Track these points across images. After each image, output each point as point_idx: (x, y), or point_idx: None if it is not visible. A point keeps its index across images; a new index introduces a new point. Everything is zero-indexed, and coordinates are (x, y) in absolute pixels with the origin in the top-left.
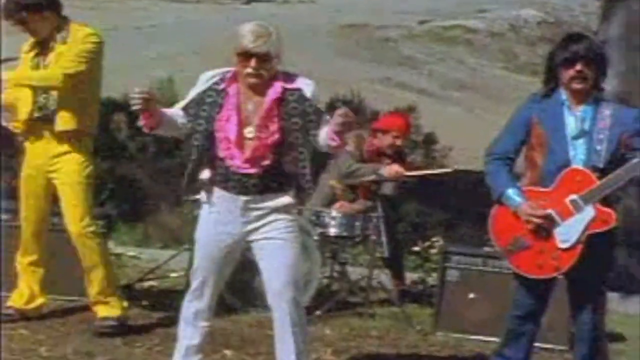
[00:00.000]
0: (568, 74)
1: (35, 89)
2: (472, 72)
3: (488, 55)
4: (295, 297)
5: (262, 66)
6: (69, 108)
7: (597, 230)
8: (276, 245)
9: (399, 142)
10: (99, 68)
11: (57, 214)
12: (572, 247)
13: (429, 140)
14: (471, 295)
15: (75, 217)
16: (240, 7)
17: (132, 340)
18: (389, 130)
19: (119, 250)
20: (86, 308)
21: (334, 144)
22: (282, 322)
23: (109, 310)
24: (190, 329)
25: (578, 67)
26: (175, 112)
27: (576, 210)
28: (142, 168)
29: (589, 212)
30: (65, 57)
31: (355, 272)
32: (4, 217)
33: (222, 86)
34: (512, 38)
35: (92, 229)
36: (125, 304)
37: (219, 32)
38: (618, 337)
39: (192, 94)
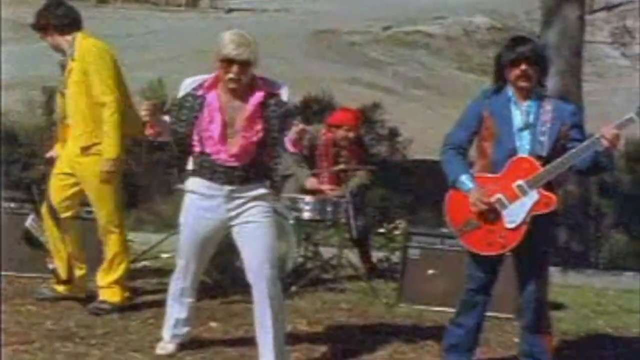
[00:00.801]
0: (514, 73)
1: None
2: (430, 72)
3: (444, 57)
4: (272, 274)
5: (243, 72)
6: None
7: (540, 212)
8: (254, 229)
9: (350, 134)
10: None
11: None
12: (517, 227)
13: (393, 133)
14: (430, 271)
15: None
16: (223, 16)
17: (127, 315)
18: (341, 125)
19: None
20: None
21: (292, 149)
22: (260, 297)
23: (110, 296)
24: (177, 305)
25: (522, 67)
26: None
27: (522, 194)
28: (136, 161)
29: (533, 196)
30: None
31: (327, 252)
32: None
33: (199, 92)
34: (465, 42)
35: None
36: (127, 294)
37: (203, 38)
38: (559, 306)
39: (176, 99)
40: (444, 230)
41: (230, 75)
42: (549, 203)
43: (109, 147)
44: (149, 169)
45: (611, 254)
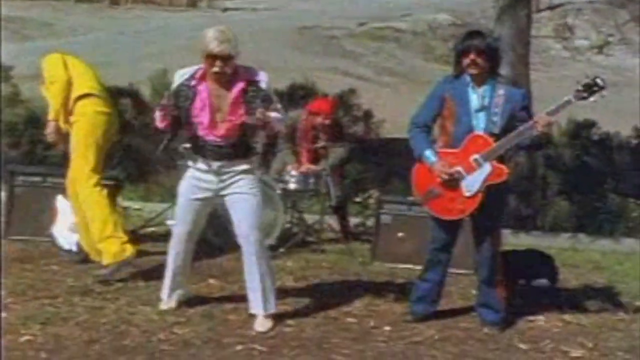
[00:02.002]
0: (465, 61)
1: None
2: (399, 62)
3: (411, 49)
4: (259, 237)
5: (226, 65)
6: None
7: (494, 182)
8: (243, 198)
9: (327, 121)
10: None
11: None
12: (474, 195)
13: (367, 115)
14: (400, 234)
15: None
16: (219, 14)
17: (137, 274)
18: (319, 113)
19: (126, 204)
20: None
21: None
22: (249, 257)
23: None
24: (174, 268)
25: (471, 56)
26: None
27: (477, 166)
28: (144, 140)
29: (487, 168)
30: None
31: (310, 218)
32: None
33: (192, 83)
34: (429, 36)
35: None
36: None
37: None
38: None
39: (172, 88)
40: (411, 198)
41: (215, 69)
42: (501, 174)
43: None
44: (155, 147)
45: (555, 218)
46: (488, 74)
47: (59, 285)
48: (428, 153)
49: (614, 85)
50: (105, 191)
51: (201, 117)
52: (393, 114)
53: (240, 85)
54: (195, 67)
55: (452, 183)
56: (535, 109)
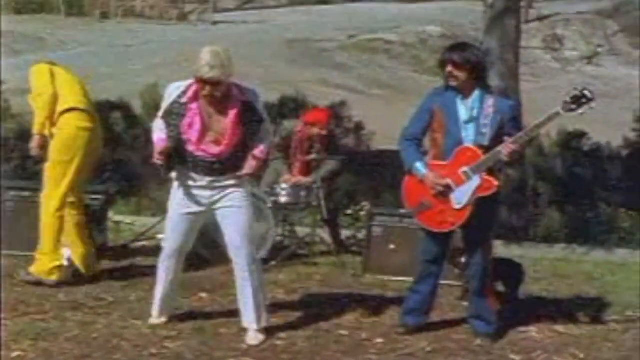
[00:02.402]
0: (444, 73)
1: None
2: (389, 74)
3: (401, 61)
4: (252, 250)
5: (215, 90)
6: None
7: (483, 195)
8: (234, 212)
9: (323, 132)
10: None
11: None
12: (464, 208)
13: (358, 127)
14: (391, 246)
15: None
16: (209, 28)
17: (128, 286)
18: (315, 124)
19: (118, 218)
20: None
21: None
22: (242, 271)
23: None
24: (165, 284)
25: (449, 68)
26: (159, 126)
27: (467, 179)
28: (135, 154)
29: (476, 180)
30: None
31: (302, 231)
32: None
33: (184, 100)
34: (419, 48)
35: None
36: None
37: (192, 47)
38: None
39: (165, 104)
40: (403, 211)
41: (204, 93)
42: (490, 187)
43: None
44: (146, 161)
45: (546, 229)
46: (474, 85)
47: (50, 300)
48: (419, 165)
49: (604, 96)
50: (67, 211)
51: (189, 134)
52: (384, 125)
53: (235, 110)
54: (189, 82)
55: (443, 195)
56: (525, 120)
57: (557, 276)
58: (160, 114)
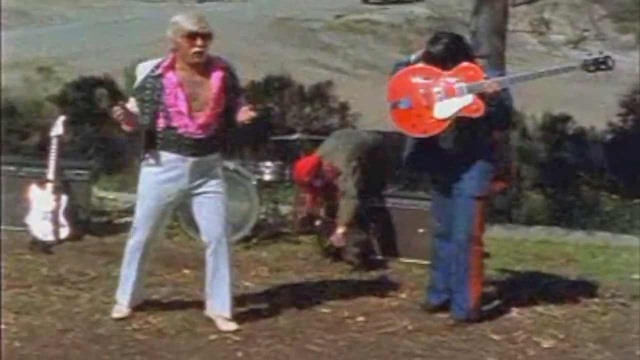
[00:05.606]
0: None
1: None
2: (376, 55)
3: (388, 42)
4: (227, 235)
5: (206, 45)
6: None
7: (469, 115)
8: (213, 197)
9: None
10: None
11: None
12: (443, 120)
13: (344, 107)
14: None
15: None
16: (195, 6)
17: (112, 261)
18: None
19: (102, 194)
20: (76, 237)
21: (242, 119)
22: (220, 258)
23: None
24: (134, 271)
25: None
26: (132, 105)
27: (459, 94)
28: (119, 130)
29: (467, 98)
30: None
31: (285, 209)
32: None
33: (157, 72)
34: (406, 29)
35: None
36: None
37: None
38: (485, 255)
39: (136, 82)
40: (390, 191)
41: (196, 49)
42: (478, 109)
43: None
44: (130, 138)
45: (528, 211)
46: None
47: (33, 274)
48: (413, 58)
49: (588, 81)
50: None
51: (177, 106)
52: (369, 106)
53: (219, 74)
54: (159, 59)
55: (426, 100)
56: (514, 104)
57: (538, 258)
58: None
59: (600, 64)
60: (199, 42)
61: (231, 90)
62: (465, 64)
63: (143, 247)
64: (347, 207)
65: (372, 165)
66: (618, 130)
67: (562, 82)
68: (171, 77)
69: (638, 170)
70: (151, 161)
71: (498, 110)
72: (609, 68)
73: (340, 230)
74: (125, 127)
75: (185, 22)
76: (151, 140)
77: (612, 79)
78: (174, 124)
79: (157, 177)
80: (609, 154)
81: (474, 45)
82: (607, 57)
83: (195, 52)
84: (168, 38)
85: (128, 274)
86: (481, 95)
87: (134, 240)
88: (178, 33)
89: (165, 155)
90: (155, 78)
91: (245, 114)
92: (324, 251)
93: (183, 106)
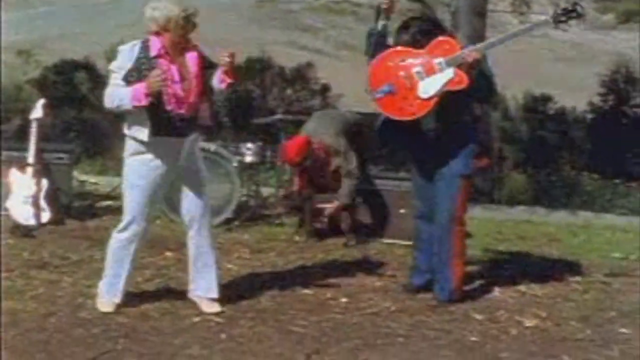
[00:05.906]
0: None
1: None
2: (357, 36)
3: (369, 23)
4: (209, 216)
5: (194, 29)
6: None
7: (453, 89)
8: (192, 177)
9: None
10: None
11: None
12: (429, 99)
13: (325, 88)
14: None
15: None
16: None
17: (94, 245)
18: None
19: (83, 178)
20: (58, 221)
21: (223, 85)
22: (204, 238)
23: None
24: (123, 260)
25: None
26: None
27: (439, 70)
28: (100, 114)
29: (449, 72)
30: None
31: (266, 191)
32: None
33: (152, 54)
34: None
35: None
36: None
37: None
38: (467, 235)
39: (126, 65)
40: (371, 171)
41: (187, 34)
42: (461, 81)
43: None
44: (111, 121)
45: (510, 191)
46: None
47: (15, 258)
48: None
49: (570, 61)
50: None
51: (175, 88)
52: (350, 87)
53: (194, 54)
54: (138, 42)
55: (409, 82)
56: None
57: (520, 238)
58: (115, 80)
59: (570, 13)
60: (190, 27)
61: (208, 67)
62: (439, 38)
63: (139, 240)
64: (350, 186)
65: (355, 145)
66: (599, 110)
67: (543, 62)
68: (164, 62)
69: (618, 150)
70: (142, 148)
71: (480, 79)
72: (580, 15)
73: (337, 205)
74: (145, 102)
75: (172, 10)
76: (142, 126)
77: (593, 58)
78: (169, 106)
79: (150, 164)
80: (590, 134)
81: (455, 26)
82: (576, 3)
83: (187, 37)
84: (149, 20)
85: (119, 270)
86: (462, 67)
87: (130, 234)
88: (169, 18)
89: (158, 140)
90: (149, 60)
91: (223, 82)
92: (308, 233)
93: (179, 87)
